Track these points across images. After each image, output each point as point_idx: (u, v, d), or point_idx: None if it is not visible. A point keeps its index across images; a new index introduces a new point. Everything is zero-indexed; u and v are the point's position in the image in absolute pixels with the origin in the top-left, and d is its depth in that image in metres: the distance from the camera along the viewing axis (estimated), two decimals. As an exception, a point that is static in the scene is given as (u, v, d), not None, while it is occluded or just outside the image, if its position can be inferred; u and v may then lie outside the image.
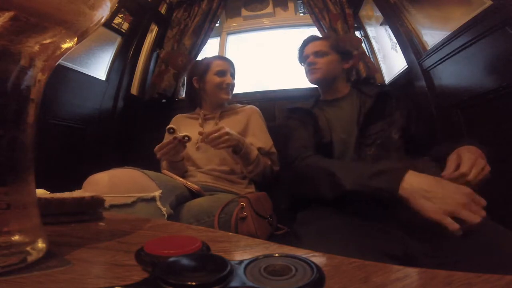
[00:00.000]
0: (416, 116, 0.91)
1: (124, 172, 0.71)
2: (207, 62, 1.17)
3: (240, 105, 1.23)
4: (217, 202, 0.82)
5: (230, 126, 1.09)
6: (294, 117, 1.00)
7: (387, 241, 0.56)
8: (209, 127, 1.12)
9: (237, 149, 0.95)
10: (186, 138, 0.89)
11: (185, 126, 1.16)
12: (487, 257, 0.48)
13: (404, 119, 0.88)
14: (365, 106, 0.92)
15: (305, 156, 0.83)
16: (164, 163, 1.09)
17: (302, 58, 1.06)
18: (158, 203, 0.66)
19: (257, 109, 1.20)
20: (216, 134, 0.88)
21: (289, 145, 0.92)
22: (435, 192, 0.52)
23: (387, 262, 0.19)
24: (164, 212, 0.66)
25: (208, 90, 1.14)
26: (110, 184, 0.65)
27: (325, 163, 0.75)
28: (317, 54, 1.00)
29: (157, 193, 0.68)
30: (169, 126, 0.92)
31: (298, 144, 0.90)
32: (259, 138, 1.09)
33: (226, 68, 1.14)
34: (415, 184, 0.55)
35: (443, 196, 0.51)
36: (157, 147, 0.90)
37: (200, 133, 0.95)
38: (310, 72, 1.01)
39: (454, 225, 0.48)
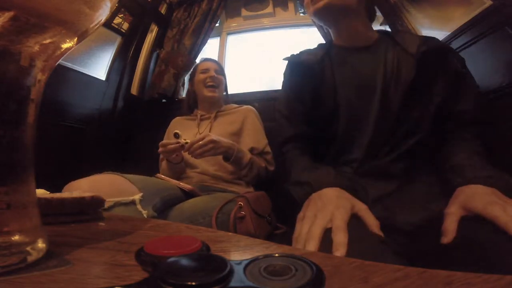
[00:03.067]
0: (463, 90, 0.64)
1: (104, 177, 0.72)
2: (196, 65, 1.29)
3: (236, 105, 1.24)
4: (212, 202, 0.81)
5: (225, 126, 1.11)
6: (292, 82, 0.77)
7: (388, 239, 0.55)
8: (204, 127, 1.13)
9: (228, 155, 0.93)
10: (186, 143, 0.90)
11: (183, 127, 1.17)
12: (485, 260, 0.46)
13: (446, 92, 0.62)
14: (400, 71, 0.64)
15: (285, 150, 0.73)
16: (163, 164, 1.09)
17: None
18: (138, 206, 0.66)
19: (253, 109, 1.21)
20: (200, 142, 0.86)
21: (278, 130, 0.77)
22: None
23: (387, 260, 0.19)
24: (145, 215, 0.66)
25: (197, 89, 1.21)
26: (90, 189, 0.64)
27: (291, 164, 0.68)
28: None
29: (137, 197, 0.67)
30: (175, 131, 0.94)
31: (282, 136, 0.74)
32: (252, 138, 1.08)
33: (209, 66, 1.21)
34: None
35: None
36: (161, 143, 0.91)
37: (183, 146, 0.91)
38: (312, 2, 0.70)
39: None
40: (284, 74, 0.80)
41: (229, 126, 1.10)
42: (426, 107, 0.62)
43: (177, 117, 1.25)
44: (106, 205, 0.61)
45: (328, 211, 0.47)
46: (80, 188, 0.66)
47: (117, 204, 0.64)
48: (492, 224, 0.42)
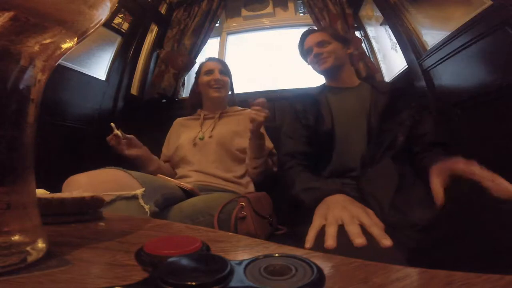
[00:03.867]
0: (422, 118, 0.85)
1: (104, 172, 0.71)
2: (200, 65, 1.26)
3: (240, 108, 1.24)
4: (213, 202, 0.81)
5: (229, 126, 1.12)
6: (296, 108, 0.97)
7: (401, 235, 0.57)
8: (207, 125, 1.14)
9: (260, 135, 0.98)
10: (118, 134, 0.96)
11: (185, 128, 1.18)
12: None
13: (411, 120, 0.83)
14: (377, 103, 0.87)
15: (288, 166, 0.86)
16: (162, 164, 1.12)
17: (304, 52, 1.05)
18: (141, 200, 0.64)
19: None
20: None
21: (280, 148, 0.96)
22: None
23: (388, 261, 0.19)
24: (147, 210, 0.64)
25: (202, 90, 1.21)
26: (89, 184, 0.64)
27: (295, 176, 0.79)
28: (320, 44, 0.98)
29: (139, 191, 0.66)
30: (111, 123, 0.98)
31: (285, 151, 0.92)
32: None
33: (213, 67, 1.20)
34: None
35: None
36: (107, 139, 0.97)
37: (117, 135, 0.96)
38: (319, 62, 0.99)
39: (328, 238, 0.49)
40: (290, 105, 1.02)
41: (233, 126, 1.12)
42: (399, 130, 0.82)
43: (179, 119, 1.25)
44: (108, 198, 0.60)
45: (354, 210, 0.54)
46: (80, 183, 0.65)
47: (119, 198, 0.63)
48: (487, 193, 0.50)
